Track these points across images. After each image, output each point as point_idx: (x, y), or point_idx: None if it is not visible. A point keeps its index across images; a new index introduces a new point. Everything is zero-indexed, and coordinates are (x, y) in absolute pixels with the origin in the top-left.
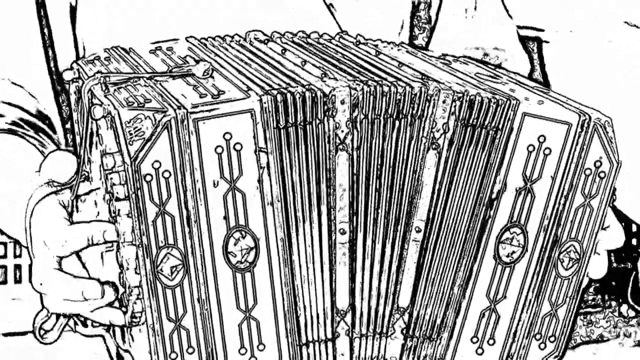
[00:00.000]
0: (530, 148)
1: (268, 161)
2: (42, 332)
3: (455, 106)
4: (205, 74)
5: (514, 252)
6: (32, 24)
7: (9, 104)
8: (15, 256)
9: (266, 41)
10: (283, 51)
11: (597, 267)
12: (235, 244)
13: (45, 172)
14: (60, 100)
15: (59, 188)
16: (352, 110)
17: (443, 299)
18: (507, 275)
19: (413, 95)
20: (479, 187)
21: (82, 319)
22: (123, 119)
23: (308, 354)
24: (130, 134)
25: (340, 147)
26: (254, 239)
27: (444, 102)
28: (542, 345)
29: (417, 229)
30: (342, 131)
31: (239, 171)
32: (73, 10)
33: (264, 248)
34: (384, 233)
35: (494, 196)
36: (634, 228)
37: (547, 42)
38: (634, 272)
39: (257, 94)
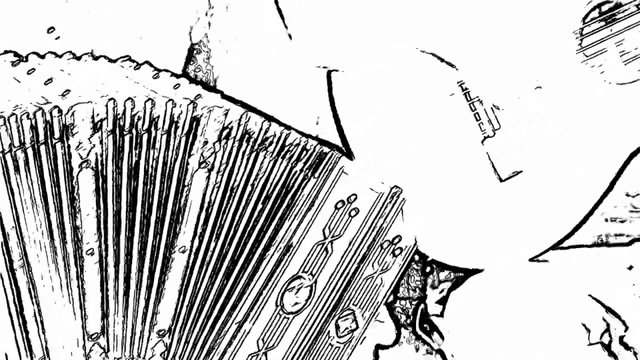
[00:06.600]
0: (340, 204)
1: None
2: None
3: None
4: None
5: (297, 303)
6: None
7: None
8: None
9: None
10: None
11: None
12: None
13: None
14: None
15: None
16: (96, 127)
17: (214, 326)
18: (285, 325)
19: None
20: (275, 229)
21: None
22: None
23: None
24: None
25: (84, 164)
26: None
27: (216, 120)
28: None
29: (181, 249)
30: (85, 149)
31: None
32: None
33: None
34: (141, 252)
35: (288, 241)
36: None
37: (336, 70)
38: (422, 303)
39: None
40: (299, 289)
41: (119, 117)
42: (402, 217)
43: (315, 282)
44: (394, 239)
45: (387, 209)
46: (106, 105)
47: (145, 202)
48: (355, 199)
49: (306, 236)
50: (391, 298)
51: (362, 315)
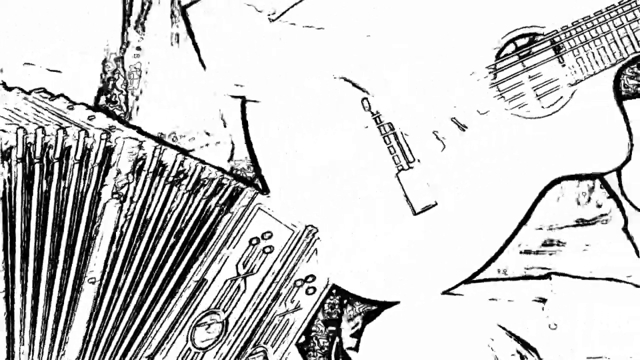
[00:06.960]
0: (254, 241)
1: None
2: None
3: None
4: None
5: (208, 339)
6: None
7: None
8: None
9: None
10: None
11: None
12: None
13: None
14: None
15: None
16: (5, 155)
17: (123, 359)
18: None
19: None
20: (189, 264)
21: None
22: None
23: None
24: None
25: None
26: None
27: (130, 152)
28: None
29: (91, 280)
30: None
31: None
32: None
33: None
34: (49, 282)
35: (201, 276)
36: None
37: (256, 101)
38: (337, 337)
39: None
40: (210, 325)
41: (29, 145)
42: (317, 256)
43: (228, 318)
44: (307, 277)
45: (301, 247)
46: (16, 133)
47: (55, 231)
48: (270, 236)
49: (220, 272)
50: (303, 338)
51: (274, 353)
